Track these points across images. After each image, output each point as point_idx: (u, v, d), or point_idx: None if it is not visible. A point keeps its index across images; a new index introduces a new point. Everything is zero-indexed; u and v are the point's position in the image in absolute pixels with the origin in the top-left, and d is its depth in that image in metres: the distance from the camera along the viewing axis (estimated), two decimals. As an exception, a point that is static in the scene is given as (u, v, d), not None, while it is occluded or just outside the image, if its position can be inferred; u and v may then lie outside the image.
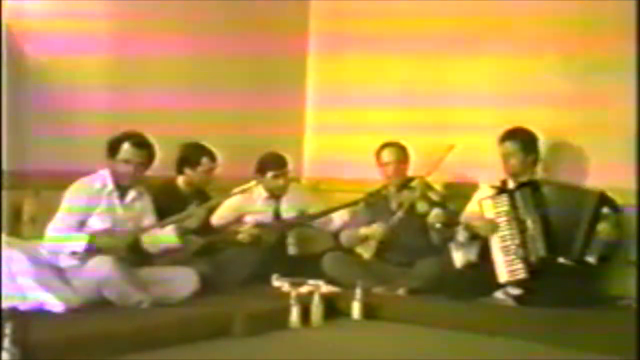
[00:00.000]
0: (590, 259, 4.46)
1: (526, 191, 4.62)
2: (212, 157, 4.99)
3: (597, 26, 4.91)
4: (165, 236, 4.44)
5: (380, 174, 5.12)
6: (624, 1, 4.73)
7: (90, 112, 4.93)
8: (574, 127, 4.96)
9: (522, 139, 4.75)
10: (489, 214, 4.65)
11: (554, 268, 4.48)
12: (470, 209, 4.80)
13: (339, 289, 4.69)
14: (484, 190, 4.82)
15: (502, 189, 4.73)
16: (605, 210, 4.53)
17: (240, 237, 5.06)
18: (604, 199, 4.57)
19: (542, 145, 4.84)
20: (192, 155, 4.96)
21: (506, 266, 4.52)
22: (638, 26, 4.64)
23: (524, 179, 4.72)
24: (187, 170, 4.95)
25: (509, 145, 4.73)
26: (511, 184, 4.75)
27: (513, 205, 4.60)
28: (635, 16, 4.64)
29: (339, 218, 5.25)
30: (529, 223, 4.55)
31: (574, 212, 4.54)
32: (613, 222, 4.50)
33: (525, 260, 4.50)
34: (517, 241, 4.54)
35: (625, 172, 4.72)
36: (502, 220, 4.61)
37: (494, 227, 4.60)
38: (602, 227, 4.47)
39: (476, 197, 4.82)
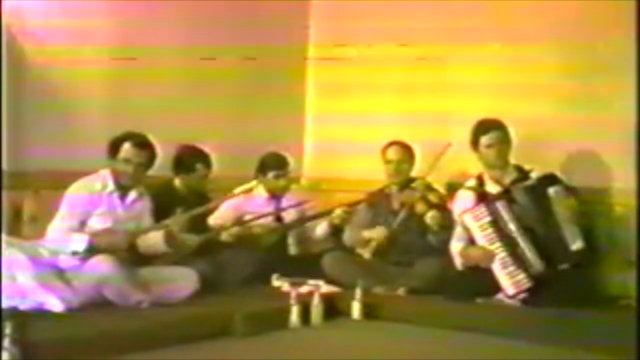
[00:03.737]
0: (577, 247, 4.39)
1: (503, 203, 4.52)
2: (206, 164, 4.97)
3: (597, 26, 4.91)
4: (154, 240, 4.43)
5: (384, 171, 5.11)
6: (624, 1, 4.73)
7: (91, 111, 4.94)
8: (574, 126, 4.95)
9: (505, 128, 4.70)
10: (474, 228, 4.58)
11: (555, 272, 4.46)
12: (458, 226, 4.71)
13: (339, 289, 4.68)
14: (463, 196, 4.75)
15: (480, 194, 4.66)
16: (551, 191, 4.47)
17: (233, 231, 5.04)
18: (546, 180, 4.53)
19: (542, 144, 4.85)
20: (186, 160, 4.95)
21: (508, 279, 4.44)
22: (638, 26, 4.64)
23: (505, 172, 4.66)
24: (182, 175, 4.95)
25: (495, 136, 4.66)
26: (488, 182, 4.69)
27: (494, 216, 4.53)
28: (635, 16, 4.64)
29: (320, 229, 5.17)
30: (518, 238, 4.47)
31: (544, 211, 4.47)
32: (567, 199, 4.46)
33: (525, 270, 4.43)
34: (511, 253, 4.47)
35: (625, 172, 4.72)
36: (489, 233, 4.54)
37: (492, 258, 4.49)
38: (561, 209, 4.42)
39: (456, 204, 4.76)
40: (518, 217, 4.50)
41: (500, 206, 4.53)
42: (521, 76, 5.14)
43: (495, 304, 4.46)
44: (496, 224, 4.53)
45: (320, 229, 5.17)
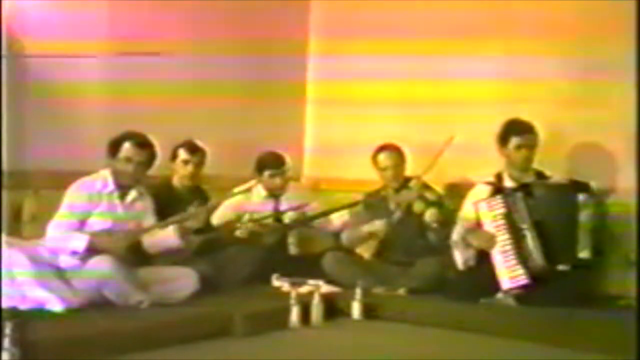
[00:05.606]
0: (583, 255, 4.42)
1: (520, 196, 4.53)
2: (190, 149, 4.91)
3: (597, 25, 4.91)
4: (163, 236, 4.43)
5: (379, 177, 5.11)
6: (624, 1, 4.73)
7: (91, 111, 4.93)
8: (574, 126, 4.96)
9: (537, 132, 4.67)
10: (486, 217, 4.59)
11: (555, 272, 4.46)
12: (466, 212, 4.73)
13: (339, 289, 4.69)
14: (479, 189, 4.76)
15: (497, 188, 4.67)
16: (581, 198, 4.48)
17: (238, 232, 5.05)
18: (577, 186, 4.53)
19: (541, 145, 4.85)
20: (174, 149, 4.94)
21: (508, 272, 4.46)
22: (638, 26, 4.64)
23: (526, 174, 4.66)
24: (171, 165, 4.94)
25: (530, 138, 4.64)
26: (507, 180, 4.69)
27: (509, 208, 4.53)
28: (635, 16, 4.64)
29: (338, 218, 5.24)
30: (526, 231, 4.48)
31: (562, 211, 4.49)
32: (592, 209, 4.46)
33: (526, 265, 4.44)
34: (516, 247, 4.48)
35: (625, 172, 4.72)
36: (500, 224, 4.54)
37: (494, 241, 4.53)
38: (583, 217, 4.44)
39: (471, 196, 4.76)
40: (532, 212, 4.50)
41: (518, 198, 4.53)
42: (521, 76, 5.15)
43: (496, 304, 4.45)
44: (509, 216, 4.53)
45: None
